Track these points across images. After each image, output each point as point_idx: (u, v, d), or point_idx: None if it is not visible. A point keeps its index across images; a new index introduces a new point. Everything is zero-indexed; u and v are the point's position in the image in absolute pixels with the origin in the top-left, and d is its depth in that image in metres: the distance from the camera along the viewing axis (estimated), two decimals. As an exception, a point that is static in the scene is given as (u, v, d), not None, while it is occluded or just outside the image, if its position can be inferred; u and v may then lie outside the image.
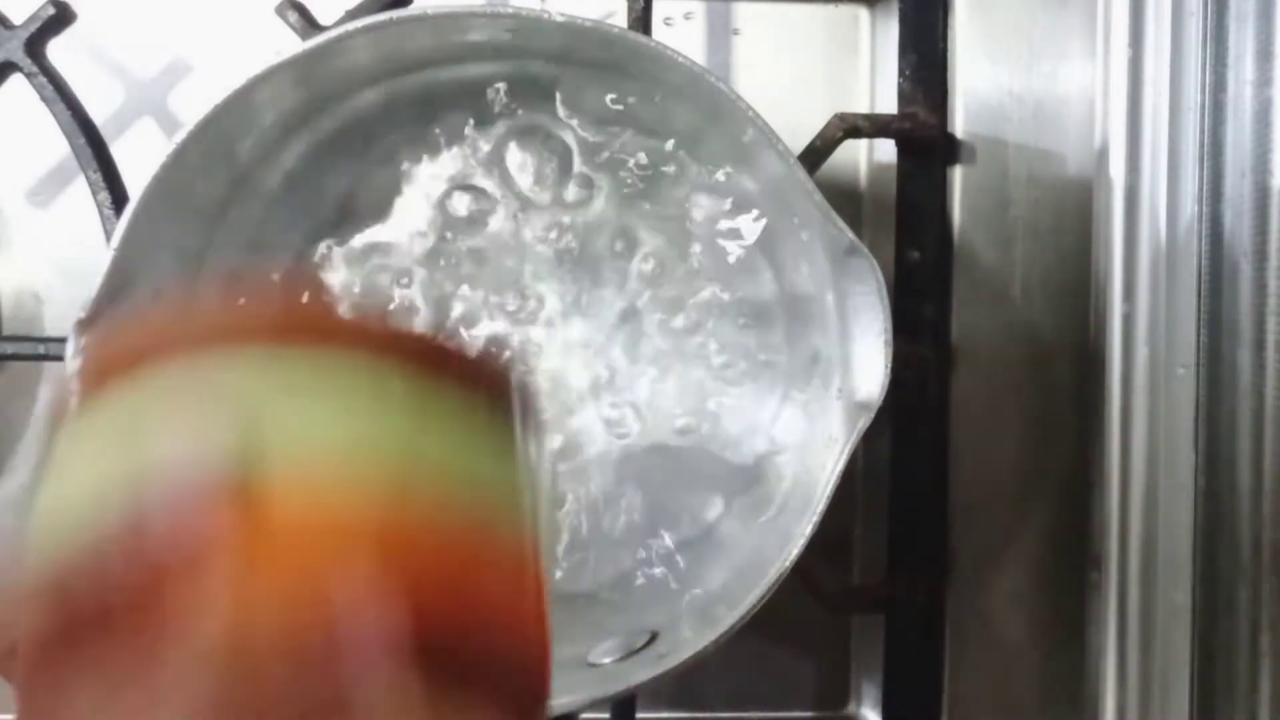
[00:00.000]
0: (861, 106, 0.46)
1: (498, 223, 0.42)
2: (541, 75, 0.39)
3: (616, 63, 0.37)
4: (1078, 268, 0.43)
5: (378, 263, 0.42)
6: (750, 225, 0.40)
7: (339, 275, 0.42)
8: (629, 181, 0.41)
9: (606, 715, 0.41)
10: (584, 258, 0.42)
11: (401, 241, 0.42)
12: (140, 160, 0.34)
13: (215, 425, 0.21)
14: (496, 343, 0.42)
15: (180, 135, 0.33)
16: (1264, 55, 0.38)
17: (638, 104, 0.39)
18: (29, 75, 0.41)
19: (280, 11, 0.40)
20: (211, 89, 0.33)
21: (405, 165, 0.42)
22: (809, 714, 0.47)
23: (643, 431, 0.42)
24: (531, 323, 0.42)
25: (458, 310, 0.42)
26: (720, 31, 0.46)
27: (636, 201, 0.41)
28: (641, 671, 0.34)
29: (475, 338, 0.42)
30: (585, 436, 0.42)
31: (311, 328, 0.23)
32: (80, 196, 0.43)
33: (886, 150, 0.45)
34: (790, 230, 0.38)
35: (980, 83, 0.44)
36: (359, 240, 0.42)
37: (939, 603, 0.44)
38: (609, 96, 0.39)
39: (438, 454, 0.22)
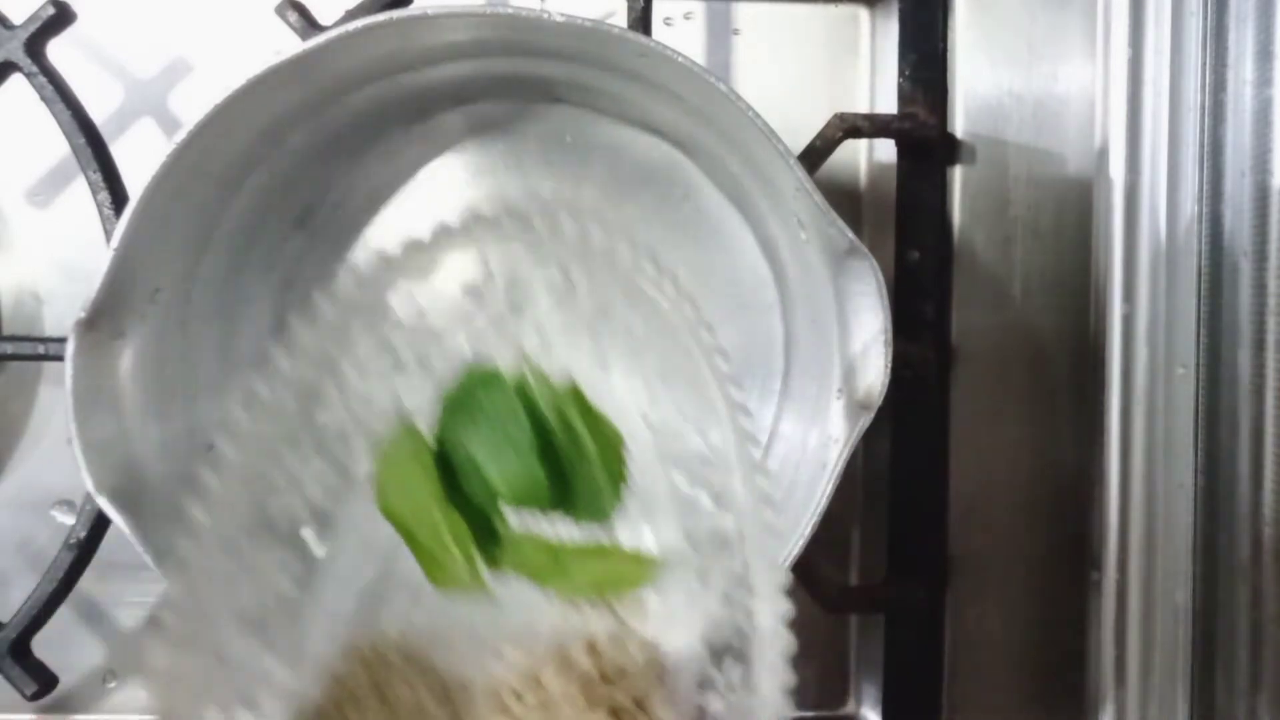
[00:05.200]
0: (861, 106, 0.46)
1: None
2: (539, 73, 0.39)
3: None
4: (1078, 268, 0.43)
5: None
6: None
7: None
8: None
9: (606, 715, 0.41)
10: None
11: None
12: (140, 160, 0.34)
13: None
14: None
15: (180, 135, 0.33)
16: (1264, 55, 0.38)
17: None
18: (29, 75, 0.41)
19: (280, 11, 0.40)
20: (211, 89, 0.33)
21: (404, 163, 0.42)
22: (809, 714, 0.47)
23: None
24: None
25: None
26: (720, 31, 0.46)
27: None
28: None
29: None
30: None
31: None
32: (80, 196, 0.43)
33: (886, 150, 0.45)
34: (790, 230, 0.38)
35: (980, 83, 0.44)
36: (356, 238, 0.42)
37: (939, 603, 0.44)
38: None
39: None
